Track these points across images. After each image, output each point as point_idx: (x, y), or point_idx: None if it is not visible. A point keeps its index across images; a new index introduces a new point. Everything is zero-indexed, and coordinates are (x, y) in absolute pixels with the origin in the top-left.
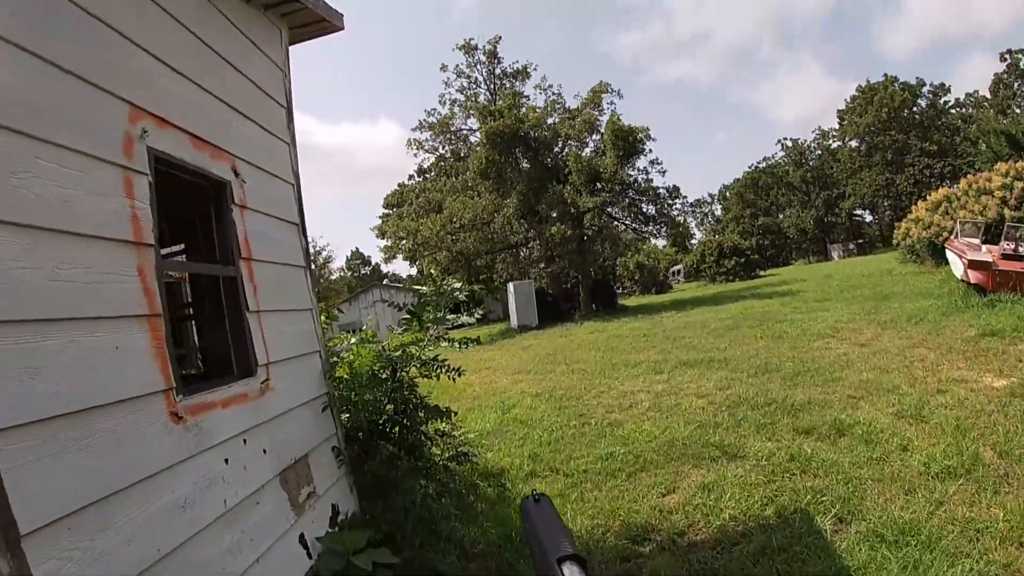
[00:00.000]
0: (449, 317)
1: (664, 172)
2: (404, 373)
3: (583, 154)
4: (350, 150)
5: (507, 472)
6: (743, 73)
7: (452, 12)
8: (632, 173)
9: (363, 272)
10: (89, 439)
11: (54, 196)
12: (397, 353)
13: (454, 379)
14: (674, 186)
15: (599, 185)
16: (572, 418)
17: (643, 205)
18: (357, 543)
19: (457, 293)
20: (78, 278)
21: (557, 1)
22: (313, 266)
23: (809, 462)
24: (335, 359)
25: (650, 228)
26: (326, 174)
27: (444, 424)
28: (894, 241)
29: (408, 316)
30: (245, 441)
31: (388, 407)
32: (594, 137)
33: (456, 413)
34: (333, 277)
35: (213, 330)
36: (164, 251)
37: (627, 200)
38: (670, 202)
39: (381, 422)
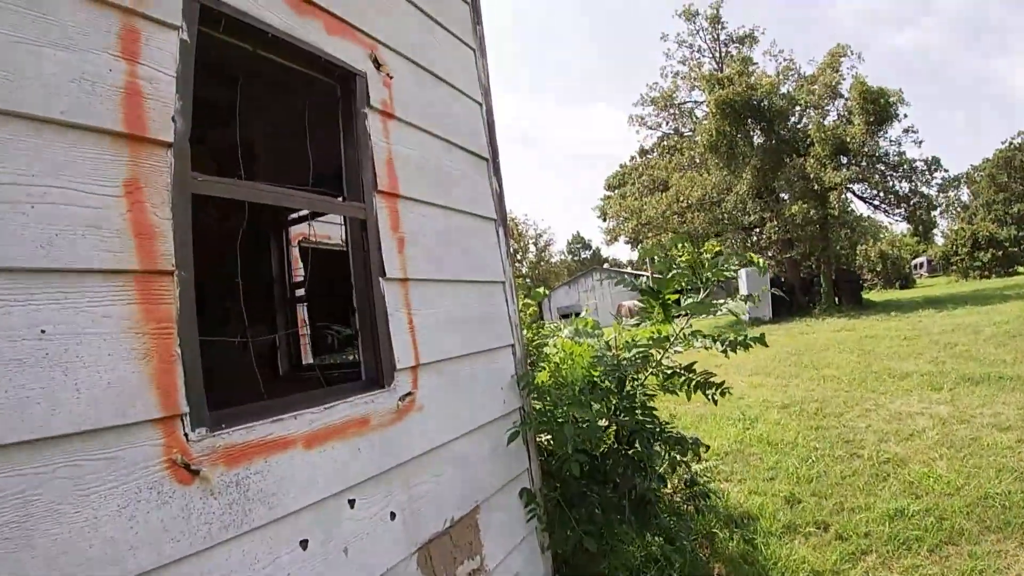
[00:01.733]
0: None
1: (920, 143)
2: (638, 384)
3: (826, 122)
4: (567, 137)
5: (756, 519)
6: (975, 42)
7: None
8: (883, 144)
9: (583, 256)
10: None
11: None
12: (628, 355)
13: (715, 399)
14: (934, 157)
15: (844, 159)
16: (835, 445)
17: (894, 181)
18: None
19: (727, 265)
20: None
21: None
22: (534, 248)
23: None
24: (536, 357)
25: (902, 209)
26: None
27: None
28: None
29: (644, 298)
30: (353, 503)
31: (610, 432)
32: (837, 104)
33: (703, 446)
34: (554, 260)
35: (323, 311)
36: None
37: (876, 175)
38: (929, 177)
39: (599, 454)
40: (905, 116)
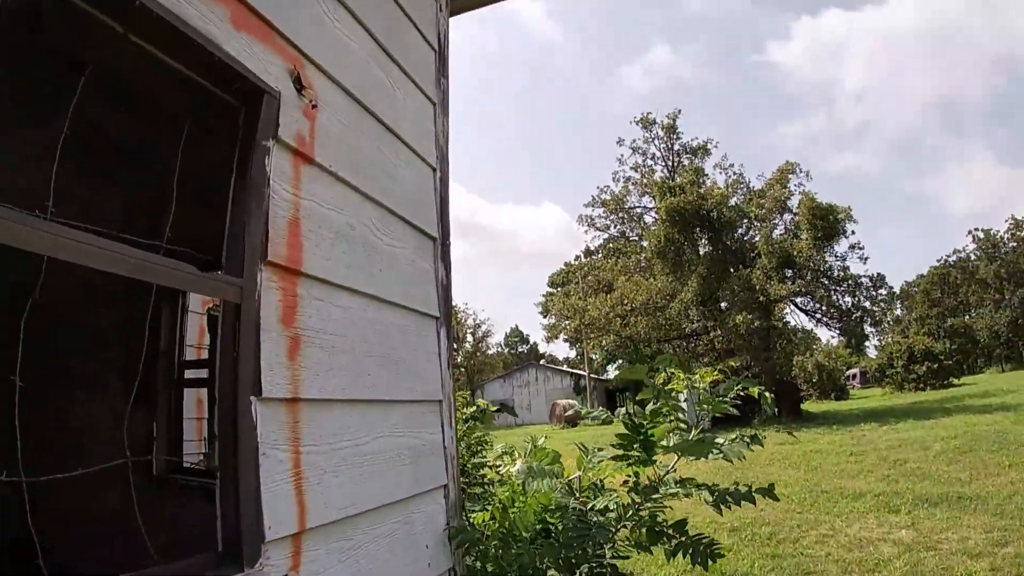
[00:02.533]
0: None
1: (866, 259)
2: (609, 546)
3: (774, 235)
4: (513, 232)
5: None
6: (910, 163)
7: (615, 99)
8: (828, 259)
9: (520, 350)
10: None
11: None
12: (598, 503)
13: (706, 564)
14: (879, 274)
15: (789, 272)
16: (797, 574)
17: (838, 296)
18: None
19: (726, 399)
20: None
21: (717, 93)
22: (471, 338)
23: None
24: (471, 481)
25: (843, 323)
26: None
27: None
28: None
29: (625, 435)
30: None
31: None
32: (784, 218)
33: None
34: (491, 352)
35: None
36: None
37: (821, 289)
38: (874, 293)
39: None
40: (853, 232)
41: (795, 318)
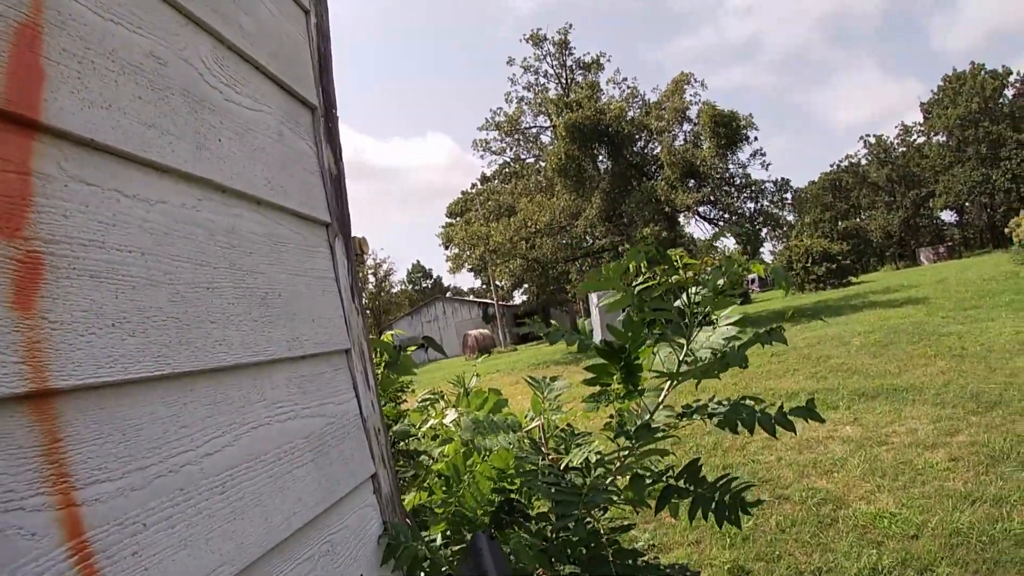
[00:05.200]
0: None
1: (768, 165)
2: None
3: (675, 145)
4: (404, 168)
5: None
6: (798, 77)
7: (501, 23)
8: (731, 167)
9: (424, 285)
10: None
11: None
12: (581, 463)
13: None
14: (783, 179)
15: (692, 183)
16: (757, 486)
17: (742, 202)
18: None
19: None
20: None
21: (602, 11)
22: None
23: None
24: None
25: (748, 228)
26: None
27: None
28: (1016, 238)
29: (600, 365)
30: None
31: None
32: (684, 128)
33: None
34: (395, 290)
35: None
36: None
37: (725, 196)
38: (780, 198)
39: None
40: (756, 139)
41: (699, 227)
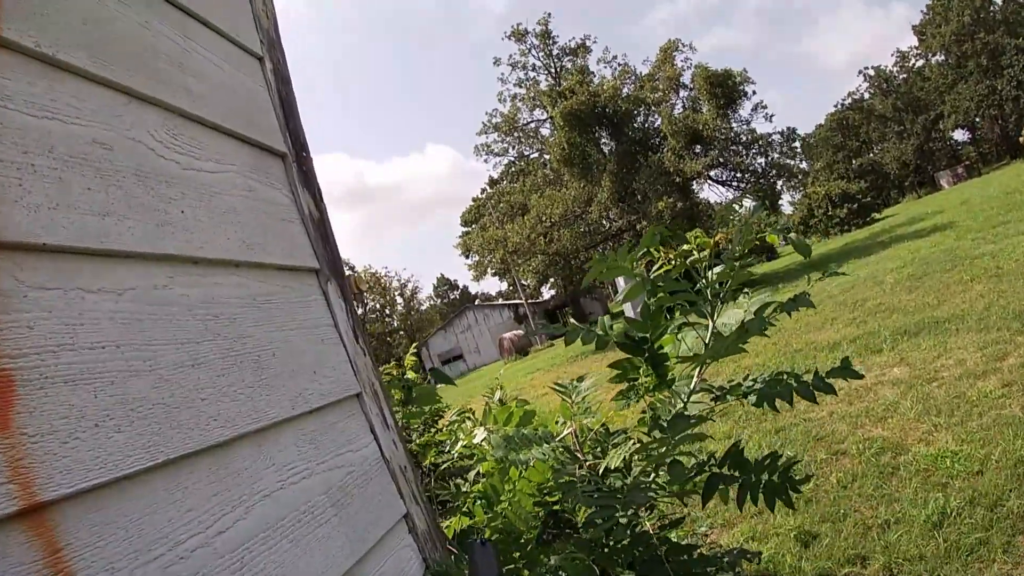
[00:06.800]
0: None
1: (771, 116)
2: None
3: (674, 114)
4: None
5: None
6: (783, 27)
7: (478, 24)
8: (735, 126)
9: (452, 297)
10: None
11: None
12: (619, 464)
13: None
14: (789, 128)
15: (698, 148)
16: (809, 446)
17: (752, 159)
18: None
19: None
20: None
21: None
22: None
23: None
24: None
25: (764, 183)
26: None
27: None
28: None
29: (622, 361)
30: None
31: None
32: (681, 96)
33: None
34: (423, 308)
35: None
36: None
37: (734, 156)
38: (789, 147)
39: None
40: (754, 93)
41: (714, 191)
